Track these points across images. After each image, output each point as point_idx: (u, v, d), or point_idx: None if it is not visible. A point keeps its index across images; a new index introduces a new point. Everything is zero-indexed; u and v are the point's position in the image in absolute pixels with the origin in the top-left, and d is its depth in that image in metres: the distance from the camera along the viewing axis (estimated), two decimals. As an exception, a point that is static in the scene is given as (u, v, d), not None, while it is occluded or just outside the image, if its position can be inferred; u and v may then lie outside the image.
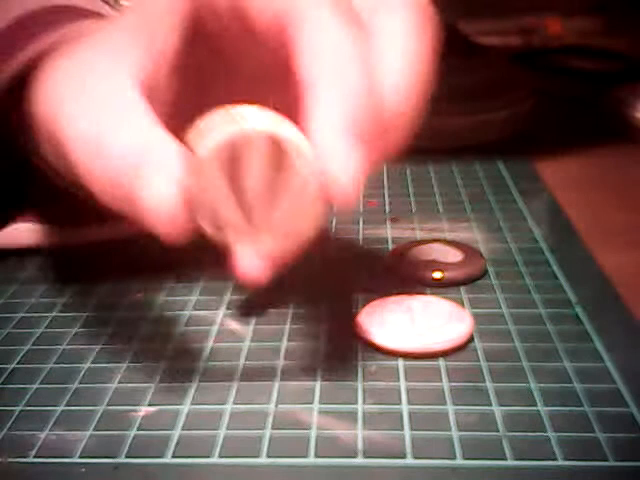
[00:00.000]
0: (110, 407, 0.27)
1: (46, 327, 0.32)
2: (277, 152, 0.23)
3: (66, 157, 0.26)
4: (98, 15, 0.33)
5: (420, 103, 0.26)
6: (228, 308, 0.33)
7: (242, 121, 0.23)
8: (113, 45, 0.26)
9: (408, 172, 0.47)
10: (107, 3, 0.35)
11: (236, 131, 0.23)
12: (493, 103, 0.50)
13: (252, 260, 0.25)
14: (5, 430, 0.26)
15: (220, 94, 0.28)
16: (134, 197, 0.23)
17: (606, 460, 0.23)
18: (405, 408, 0.26)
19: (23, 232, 0.37)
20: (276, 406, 0.26)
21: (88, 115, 0.25)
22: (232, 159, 0.23)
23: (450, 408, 0.26)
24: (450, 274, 0.34)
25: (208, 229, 0.24)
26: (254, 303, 0.33)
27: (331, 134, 0.23)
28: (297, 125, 0.24)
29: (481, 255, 0.36)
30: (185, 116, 0.25)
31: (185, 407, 0.27)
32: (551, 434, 0.25)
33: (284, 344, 0.30)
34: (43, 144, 0.28)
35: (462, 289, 0.33)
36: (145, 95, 0.25)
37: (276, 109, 0.24)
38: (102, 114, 0.25)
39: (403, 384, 0.27)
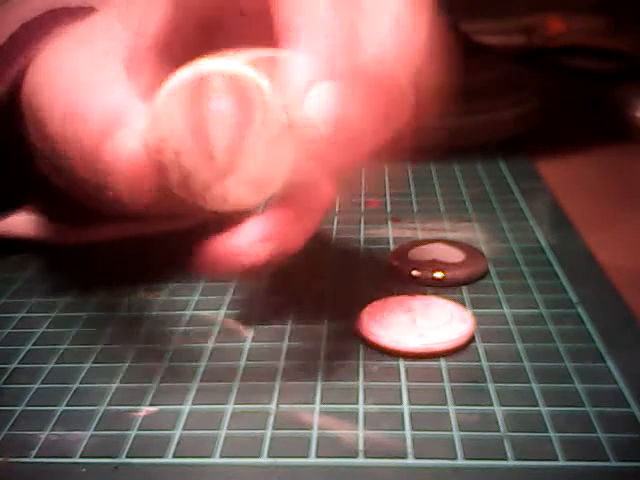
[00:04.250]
0: (111, 407, 0.27)
1: (46, 327, 0.32)
2: (242, 96, 0.22)
3: (43, 128, 0.26)
4: None
5: (409, 60, 0.24)
6: (229, 308, 0.33)
7: (198, 65, 0.23)
8: (103, 22, 0.28)
9: (409, 172, 0.47)
10: None
11: (189, 73, 0.22)
12: (497, 103, 0.50)
13: (251, 240, 0.25)
14: (5, 430, 0.26)
15: None
16: (99, 154, 0.23)
17: (607, 460, 0.23)
18: (406, 408, 0.26)
19: (22, 222, 0.37)
20: (277, 406, 0.26)
21: (67, 81, 0.26)
22: (193, 104, 0.22)
23: (451, 408, 0.26)
24: (451, 274, 0.34)
25: (173, 181, 0.23)
26: (255, 303, 0.33)
27: (298, 70, 0.22)
28: None
29: (482, 255, 0.35)
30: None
31: (186, 407, 0.26)
32: (552, 434, 0.24)
33: (285, 344, 0.30)
34: (27, 120, 0.28)
35: (463, 289, 0.33)
36: (125, 65, 0.26)
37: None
38: (82, 82, 0.25)
39: (404, 384, 0.27)
